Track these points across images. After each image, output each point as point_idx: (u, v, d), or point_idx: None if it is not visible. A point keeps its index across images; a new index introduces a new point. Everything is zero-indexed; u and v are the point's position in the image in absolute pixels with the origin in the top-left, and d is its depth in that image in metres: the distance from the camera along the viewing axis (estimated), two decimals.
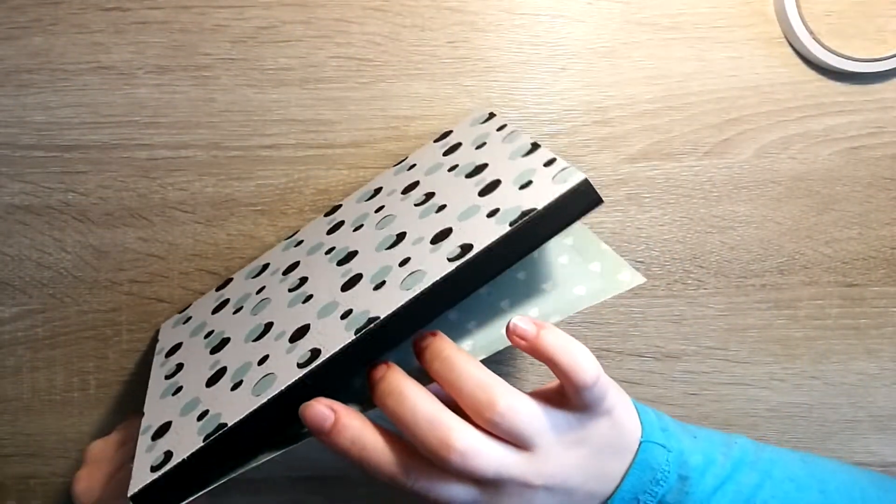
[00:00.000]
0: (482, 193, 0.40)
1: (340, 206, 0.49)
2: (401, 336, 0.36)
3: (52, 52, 0.49)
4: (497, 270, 0.36)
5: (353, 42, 0.50)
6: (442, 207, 0.41)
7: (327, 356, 0.36)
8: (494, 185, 0.40)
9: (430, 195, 0.43)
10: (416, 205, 0.43)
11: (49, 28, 0.49)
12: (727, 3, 0.51)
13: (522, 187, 0.38)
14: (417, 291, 0.36)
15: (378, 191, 0.48)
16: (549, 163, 0.39)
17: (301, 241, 0.48)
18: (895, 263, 0.53)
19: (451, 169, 0.44)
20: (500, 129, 0.46)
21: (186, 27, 0.50)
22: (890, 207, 0.52)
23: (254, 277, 0.48)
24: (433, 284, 0.36)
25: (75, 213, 0.50)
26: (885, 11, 0.51)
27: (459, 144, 0.47)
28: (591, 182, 0.37)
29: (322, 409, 0.35)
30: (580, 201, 0.36)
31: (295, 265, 0.46)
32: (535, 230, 0.36)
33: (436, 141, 0.49)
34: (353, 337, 0.36)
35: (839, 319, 0.53)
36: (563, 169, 0.38)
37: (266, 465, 0.50)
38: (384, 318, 0.36)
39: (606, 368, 0.52)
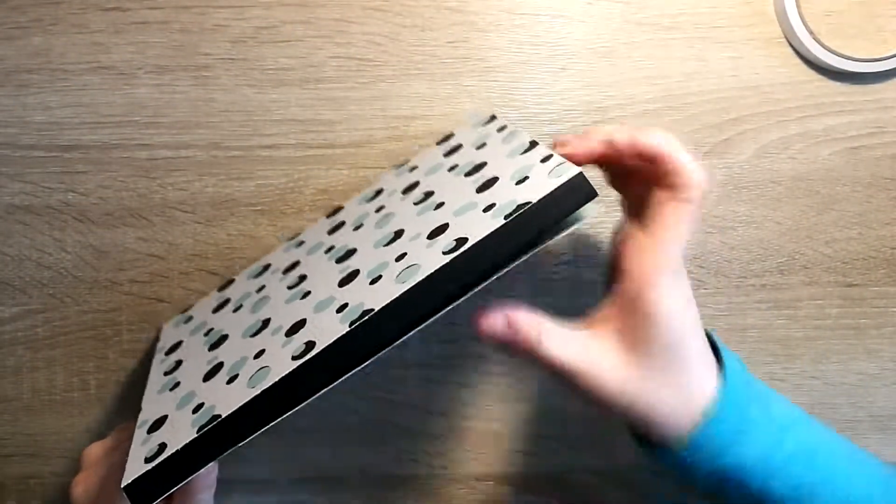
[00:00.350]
0: (480, 190, 0.40)
1: (342, 207, 0.49)
2: (395, 328, 0.36)
3: (52, 52, 0.49)
4: (492, 263, 0.36)
5: (353, 42, 0.50)
6: (440, 205, 0.41)
7: (321, 348, 0.36)
8: (492, 181, 0.40)
9: (429, 194, 0.43)
10: (415, 203, 0.43)
11: (49, 28, 0.49)
12: (727, 3, 0.51)
13: (519, 182, 0.39)
14: (411, 284, 0.36)
15: (379, 192, 0.48)
16: (545, 159, 0.39)
17: (302, 242, 0.48)
18: (895, 263, 0.53)
19: (451, 169, 0.45)
20: (500, 129, 0.46)
21: (186, 27, 0.50)
22: (890, 207, 0.52)
23: (255, 277, 0.48)
24: (427, 277, 0.36)
25: (75, 213, 0.50)
26: (885, 11, 0.51)
27: (460, 146, 0.47)
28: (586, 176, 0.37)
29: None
30: (575, 194, 0.37)
31: (295, 264, 0.46)
32: (529, 223, 0.36)
33: (438, 143, 0.49)
34: (347, 329, 0.36)
35: (839, 319, 0.53)
36: (559, 164, 0.38)
37: (268, 465, 0.50)
38: (378, 310, 0.36)
39: None
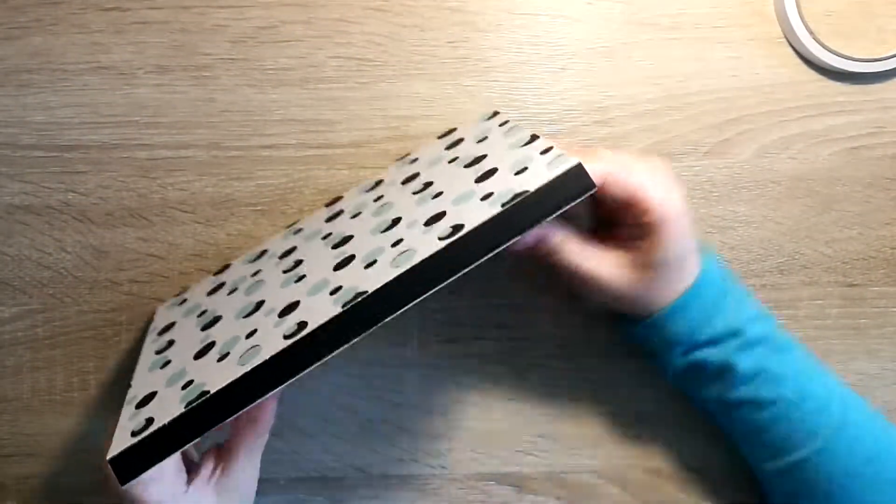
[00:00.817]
0: (479, 180, 0.41)
1: (342, 198, 0.49)
2: (388, 311, 0.36)
3: (52, 52, 0.49)
4: (487, 250, 0.37)
5: (353, 42, 0.50)
6: (439, 194, 0.42)
7: (313, 327, 0.36)
8: (491, 172, 0.41)
9: (428, 184, 0.44)
10: (413, 193, 0.43)
11: (49, 28, 0.49)
12: (727, 3, 0.51)
13: (518, 173, 0.39)
14: (406, 267, 0.36)
15: (379, 182, 0.48)
16: (545, 151, 0.40)
17: (301, 230, 0.48)
18: (895, 263, 0.53)
19: (451, 161, 0.45)
20: (502, 124, 0.46)
21: (186, 27, 0.50)
22: (890, 207, 0.52)
23: (251, 262, 0.48)
24: (422, 262, 0.36)
25: (75, 213, 0.50)
26: (885, 11, 0.51)
27: (462, 140, 0.47)
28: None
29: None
30: (573, 185, 0.37)
31: (292, 250, 0.46)
32: (526, 211, 0.37)
33: (440, 138, 0.49)
34: (340, 310, 0.36)
35: (839, 319, 0.53)
36: (559, 156, 0.38)
37: (267, 464, 0.50)
38: (371, 293, 0.36)
39: (609, 368, 0.52)
